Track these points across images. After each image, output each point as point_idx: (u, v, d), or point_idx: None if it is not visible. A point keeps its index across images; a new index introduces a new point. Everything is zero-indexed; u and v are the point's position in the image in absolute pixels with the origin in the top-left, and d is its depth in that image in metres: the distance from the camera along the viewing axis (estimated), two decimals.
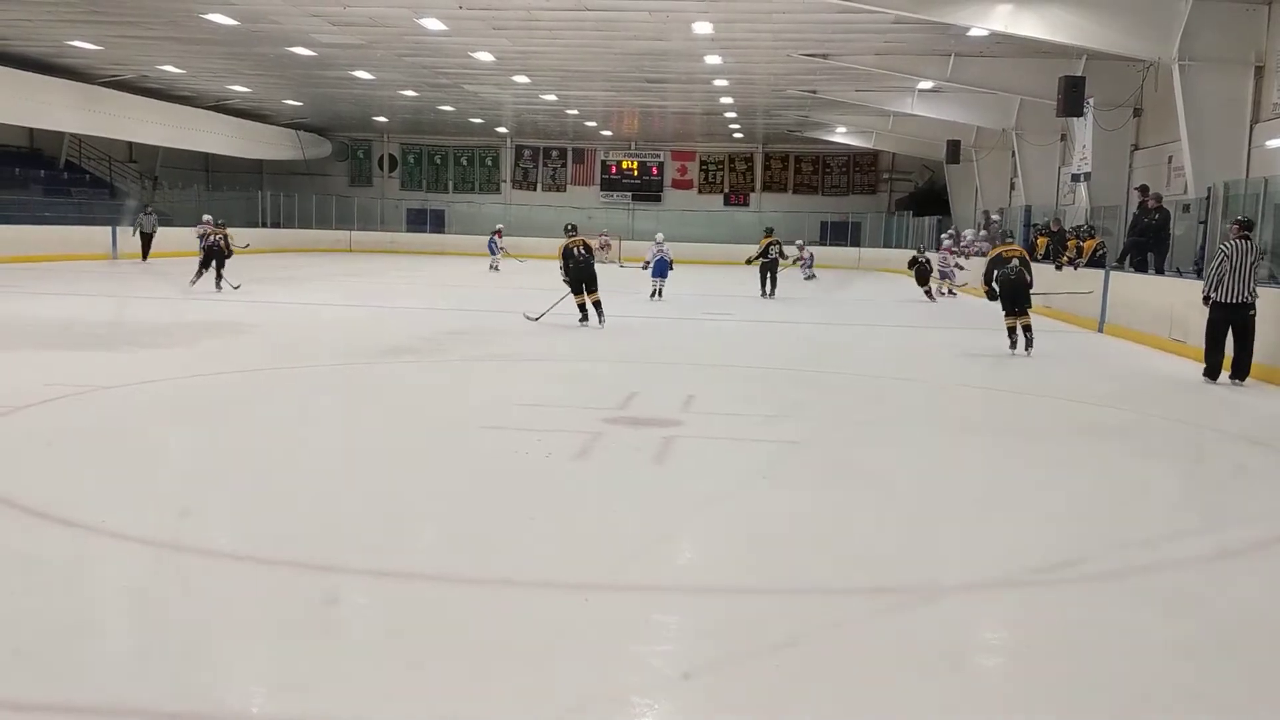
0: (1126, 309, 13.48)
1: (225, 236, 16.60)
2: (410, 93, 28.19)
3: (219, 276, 16.28)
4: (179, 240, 24.82)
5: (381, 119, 35.45)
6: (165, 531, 4.23)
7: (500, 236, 27.18)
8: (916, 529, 4.69)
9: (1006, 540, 4.55)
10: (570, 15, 17.59)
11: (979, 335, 12.79)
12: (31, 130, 27.92)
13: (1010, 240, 12.40)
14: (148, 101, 28.23)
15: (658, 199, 38.69)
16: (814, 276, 25.09)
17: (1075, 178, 19.17)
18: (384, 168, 40.18)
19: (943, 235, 24.74)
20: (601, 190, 39.17)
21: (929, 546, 4.47)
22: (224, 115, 31.88)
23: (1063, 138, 21.18)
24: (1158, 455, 6.74)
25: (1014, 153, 23.06)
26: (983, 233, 24.28)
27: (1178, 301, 11.52)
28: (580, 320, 12.73)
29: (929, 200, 33.96)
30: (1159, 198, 14.18)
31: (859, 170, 37.76)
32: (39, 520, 4.36)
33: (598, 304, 12.88)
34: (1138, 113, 17.99)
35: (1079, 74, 16.63)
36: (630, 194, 38.88)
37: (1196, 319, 9.79)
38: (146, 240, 25.03)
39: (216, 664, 3.10)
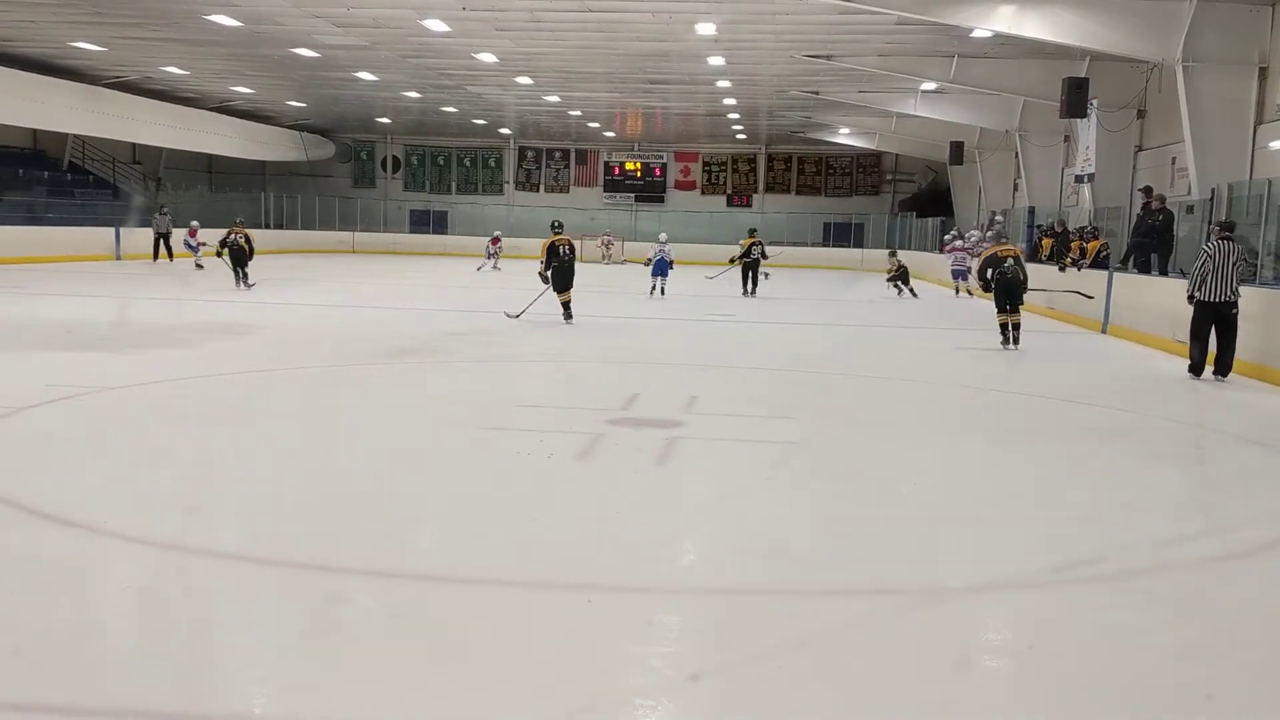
0: (1130, 310, 13.46)
1: (246, 236, 17.84)
2: (413, 94, 28.21)
3: (241, 274, 17.52)
4: (179, 241, 24.98)
5: (385, 120, 35.49)
6: (168, 532, 4.23)
7: (496, 244, 27.37)
8: (921, 530, 4.68)
9: (1011, 541, 4.53)
10: (573, 16, 17.60)
11: (980, 335, 12.78)
12: (35, 131, 28.00)
13: (1005, 241, 12.96)
14: (151, 103, 28.28)
15: (661, 200, 38.70)
16: (767, 275, 25.13)
17: (1079, 179, 19.16)
18: (387, 169, 40.23)
19: (946, 236, 24.72)
20: (604, 191, 39.20)
21: (933, 548, 4.45)
22: (227, 116, 31.92)
23: (1066, 139, 21.16)
24: (1161, 456, 6.73)
25: (1017, 154, 23.03)
26: (989, 233, 24.25)
27: (1181, 303, 11.47)
28: (566, 318, 13.05)
29: (932, 201, 33.94)
30: (1163, 199, 14.16)
31: (862, 171, 37.76)
32: (41, 521, 4.36)
33: (567, 304, 13.24)
34: (1141, 114, 17.97)
35: (1082, 75, 16.62)
36: (633, 195, 38.90)
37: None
38: (162, 240, 25.43)
39: (218, 665, 3.10)
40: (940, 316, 16.83)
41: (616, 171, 39.15)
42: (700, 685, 3.01)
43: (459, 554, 4.20)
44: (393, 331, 12.16)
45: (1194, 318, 9.60)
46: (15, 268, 20.33)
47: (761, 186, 38.55)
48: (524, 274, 23.81)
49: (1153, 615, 3.69)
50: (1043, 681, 3.13)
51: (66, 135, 28.78)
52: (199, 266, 22.78)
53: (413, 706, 2.81)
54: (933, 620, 3.58)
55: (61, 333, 10.93)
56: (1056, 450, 6.60)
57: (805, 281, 25.35)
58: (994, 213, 25.34)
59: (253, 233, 18.30)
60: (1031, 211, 21.81)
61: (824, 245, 36.04)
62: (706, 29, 18.03)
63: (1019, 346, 11.67)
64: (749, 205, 38.41)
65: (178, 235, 24.98)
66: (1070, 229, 18.03)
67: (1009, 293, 11.60)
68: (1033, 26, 14.42)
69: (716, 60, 21.22)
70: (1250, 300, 9.75)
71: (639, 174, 39.03)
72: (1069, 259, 16.58)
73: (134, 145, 31.44)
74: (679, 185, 39.01)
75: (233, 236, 17.86)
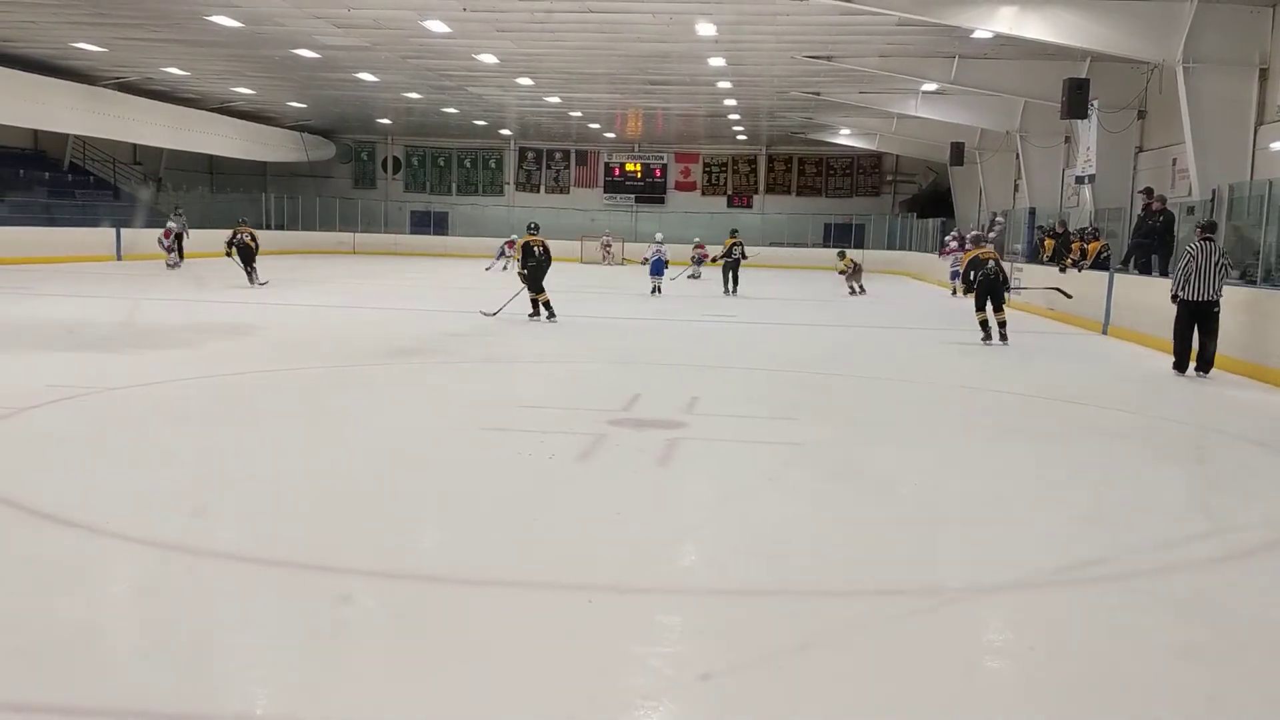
0: (1130, 311, 13.45)
1: (252, 234, 18.74)
2: (414, 95, 28.22)
3: (252, 272, 18.28)
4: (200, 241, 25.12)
5: (385, 121, 35.50)
6: (169, 532, 4.23)
7: (512, 247, 27.52)
8: (922, 531, 4.68)
9: (1013, 542, 4.53)
10: (574, 17, 17.60)
11: (980, 336, 12.80)
12: (36, 132, 28.02)
13: (984, 244, 13.65)
14: (152, 103, 28.28)
15: (661, 201, 38.70)
16: (698, 276, 25.22)
17: (1079, 180, 19.15)
18: (388, 170, 40.24)
19: (947, 237, 24.71)
20: (605, 192, 39.20)
21: (936, 549, 4.45)
22: (228, 117, 31.93)
23: (1067, 140, 21.16)
24: (1162, 457, 6.72)
25: (1018, 155, 23.03)
26: (991, 234, 24.23)
27: None
28: (530, 315, 13.35)
29: (933, 202, 33.94)
30: (1163, 200, 14.16)
31: (863, 172, 37.76)
32: (43, 521, 4.36)
33: (540, 303, 13.49)
34: (1142, 115, 17.96)
35: (1083, 76, 16.62)
36: (634, 196, 38.90)
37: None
38: (178, 241, 25.40)
39: (220, 666, 3.10)
40: (940, 317, 16.82)
41: (617, 172, 39.15)
42: (702, 686, 3.00)
43: (460, 554, 4.20)
44: (394, 332, 12.16)
45: (1177, 316, 9.92)
46: (16, 268, 20.34)
47: (762, 187, 38.55)
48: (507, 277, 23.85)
49: (1155, 616, 3.68)
50: (1045, 683, 3.13)
51: (67, 136, 28.79)
52: (171, 266, 22.74)
53: (414, 707, 2.81)
54: (934, 621, 3.58)
55: (63, 333, 10.93)
56: (1058, 451, 6.59)
57: (810, 283, 25.33)
58: (995, 213, 25.34)
59: (257, 232, 18.62)
60: (1032, 212, 21.80)
61: (825, 246, 36.03)
62: (707, 30, 18.03)
63: (1008, 343, 12.11)
64: (749, 206, 38.42)
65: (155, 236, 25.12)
66: (1071, 230, 18.02)
67: (991, 292, 12.26)
68: (1034, 27, 14.42)
69: (717, 61, 21.22)
70: (1240, 299, 10.12)
71: (639, 175, 39.03)
72: (1069, 260, 16.57)
73: (135, 146, 31.44)
74: (679, 186, 39.01)
75: (239, 236, 18.42)
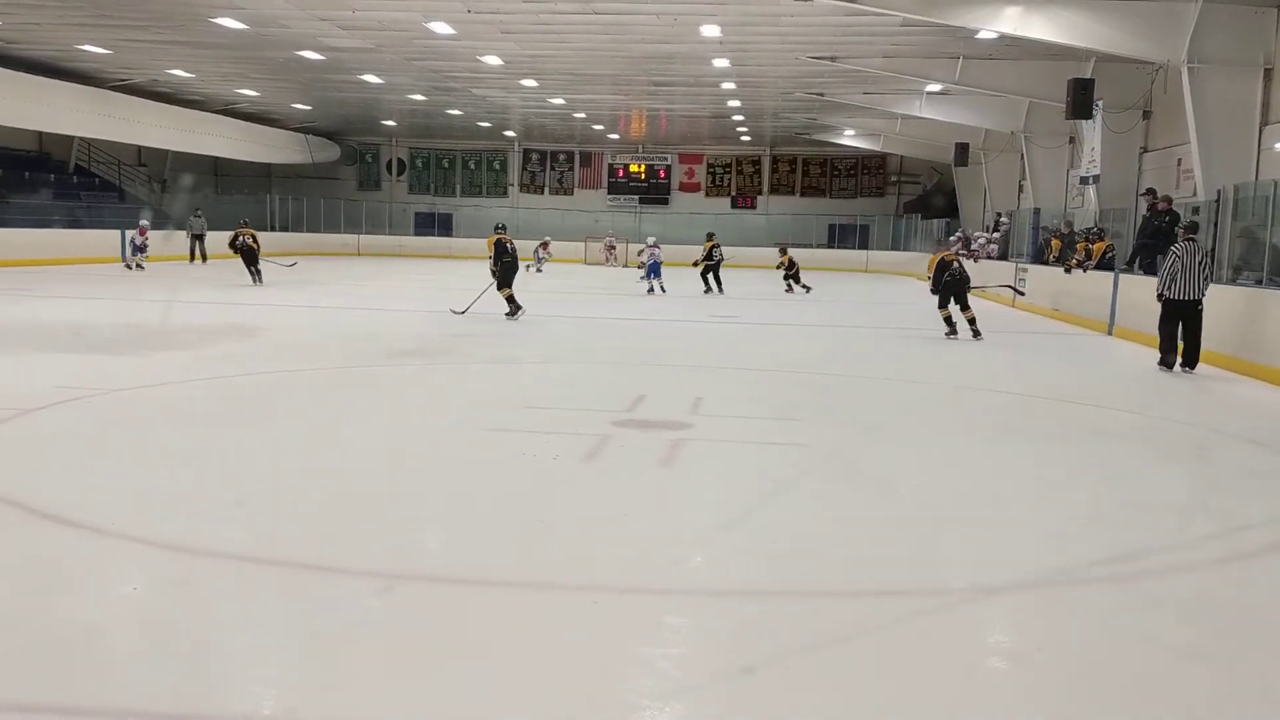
0: (1136, 311, 13.41)
1: (253, 235, 19.03)
2: (418, 96, 28.25)
3: (255, 272, 18.71)
4: (174, 245, 25.17)
5: (390, 123, 35.54)
6: (172, 533, 4.24)
7: (546, 249, 28.48)
8: (925, 531, 4.68)
9: (1015, 542, 4.53)
10: (578, 19, 17.61)
11: (945, 331, 12.95)
12: (41, 134, 28.10)
13: (946, 247, 14.69)
14: (157, 105, 28.34)
15: (665, 202, 38.70)
16: (540, 270, 25.29)
17: (1084, 180, 19.13)
18: (392, 171, 40.28)
19: (951, 238, 24.69)
20: (609, 194, 39.20)
21: (940, 550, 4.45)
22: (232, 119, 31.98)
23: (1071, 140, 21.14)
24: (1164, 457, 6.71)
25: (1022, 155, 23.01)
26: (995, 234, 24.22)
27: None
28: (509, 314, 13.59)
29: (937, 203, 33.92)
30: (1169, 200, 14.13)
31: (867, 173, 37.73)
32: (46, 521, 4.38)
33: (508, 299, 13.86)
34: (1147, 115, 17.94)
35: (1088, 76, 16.60)
36: (637, 197, 38.89)
37: (1204, 321, 10.36)
38: (197, 241, 26.03)
39: (222, 666, 3.10)
40: (940, 318, 16.77)
41: (621, 174, 39.15)
42: (704, 687, 3.01)
43: (463, 555, 4.21)
44: (398, 333, 12.17)
45: (1162, 315, 10.29)
46: (21, 270, 20.39)
47: (766, 188, 38.53)
48: (528, 278, 23.87)
49: (1156, 617, 3.68)
50: (1046, 683, 3.12)
51: (72, 138, 28.86)
52: (139, 267, 22.69)
53: (415, 707, 2.81)
54: (934, 622, 3.57)
55: (68, 334, 10.96)
56: (1060, 451, 6.59)
57: (811, 283, 25.28)
58: (999, 214, 25.32)
59: (259, 234, 18.70)
60: (1037, 213, 21.79)
61: (829, 247, 36.04)
62: (711, 31, 18.04)
63: (981, 338, 12.70)
64: (753, 207, 38.42)
65: (213, 237, 25.40)
66: (1075, 230, 18.00)
67: (959, 291, 12.97)
68: (1038, 28, 14.40)
69: (721, 62, 21.22)
70: (1230, 296, 10.61)
71: (643, 176, 39.02)
72: (1074, 260, 16.56)
73: (139, 148, 31.50)
74: (683, 187, 39.01)
75: (240, 238, 18.56)
